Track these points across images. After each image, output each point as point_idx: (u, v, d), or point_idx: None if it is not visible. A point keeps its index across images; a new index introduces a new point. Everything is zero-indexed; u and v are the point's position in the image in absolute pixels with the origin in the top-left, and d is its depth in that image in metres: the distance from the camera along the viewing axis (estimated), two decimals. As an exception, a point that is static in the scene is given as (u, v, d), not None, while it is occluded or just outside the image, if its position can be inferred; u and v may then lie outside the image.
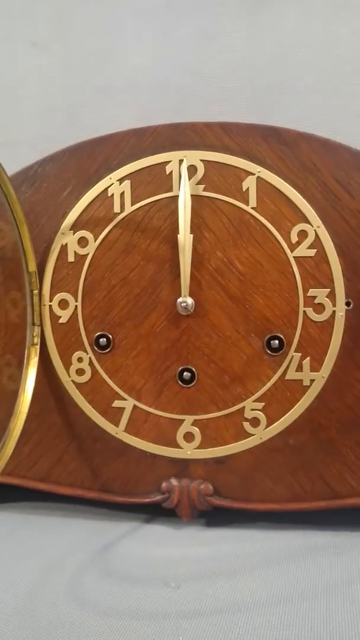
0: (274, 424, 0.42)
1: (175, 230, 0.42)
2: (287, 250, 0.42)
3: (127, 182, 0.44)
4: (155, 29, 0.52)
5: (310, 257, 0.42)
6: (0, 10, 0.55)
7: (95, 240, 0.44)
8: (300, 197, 0.42)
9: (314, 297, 0.42)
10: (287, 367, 0.42)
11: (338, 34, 0.50)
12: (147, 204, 0.44)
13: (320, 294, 0.42)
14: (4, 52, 0.55)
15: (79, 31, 0.53)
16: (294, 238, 0.42)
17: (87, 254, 0.44)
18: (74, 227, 0.45)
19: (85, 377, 0.44)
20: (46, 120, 0.54)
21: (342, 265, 0.42)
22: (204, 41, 0.51)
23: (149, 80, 0.52)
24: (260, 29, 0.51)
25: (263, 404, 0.42)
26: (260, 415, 0.43)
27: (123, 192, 0.44)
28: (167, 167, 0.43)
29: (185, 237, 0.42)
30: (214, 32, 0.51)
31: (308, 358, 0.42)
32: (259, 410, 0.43)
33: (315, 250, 0.42)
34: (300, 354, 0.42)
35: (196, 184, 0.43)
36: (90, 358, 0.44)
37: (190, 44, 0.51)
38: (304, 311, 0.42)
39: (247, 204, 0.42)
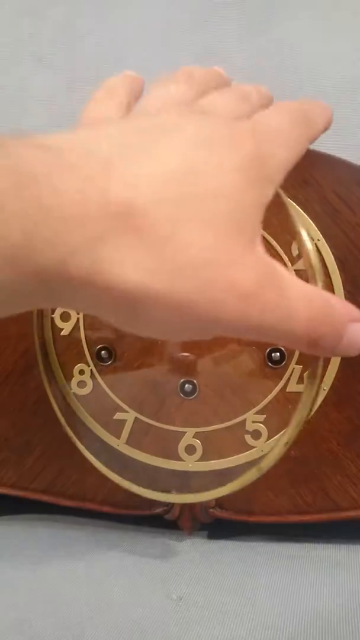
0: (275, 437, 0.43)
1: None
2: (288, 264, 0.42)
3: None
4: (158, 46, 0.53)
5: (311, 270, 0.42)
6: (4, 28, 0.56)
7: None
8: (301, 211, 0.42)
9: (315, 310, 0.42)
10: (288, 379, 0.42)
11: (340, 51, 0.51)
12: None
13: (320, 307, 0.42)
14: (10, 68, 0.55)
15: (83, 48, 0.54)
16: (295, 251, 0.42)
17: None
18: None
19: (87, 390, 0.45)
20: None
21: (342, 278, 0.42)
22: (205, 58, 0.52)
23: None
24: (262, 46, 0.51)
25: (264, 416, 0.43)
26: (262, 428, 0.43)
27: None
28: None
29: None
30: (215, 50, 0.51)
31: (309, 370, 0.42)
32: (260, 422, 0.43)
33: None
34: (301, 367, 0.42)
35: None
36: (91, 370, 0.45)
37: (192, 61, 0.52)
38: (305, 324, 0.42)
39: (248, 218, 0.43)
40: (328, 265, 0.42)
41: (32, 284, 0.21)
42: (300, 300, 0.26)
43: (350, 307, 0.27)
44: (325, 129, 0.32)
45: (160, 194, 0.23)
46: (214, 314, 0.24)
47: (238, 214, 0.25)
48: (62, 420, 0.44)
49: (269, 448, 0.42)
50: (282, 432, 0.42)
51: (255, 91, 0.32)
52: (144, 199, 0.22)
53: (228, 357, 0.43)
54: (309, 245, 0.31)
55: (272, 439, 0.43)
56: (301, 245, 0.30)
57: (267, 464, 0.38)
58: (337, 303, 0.26)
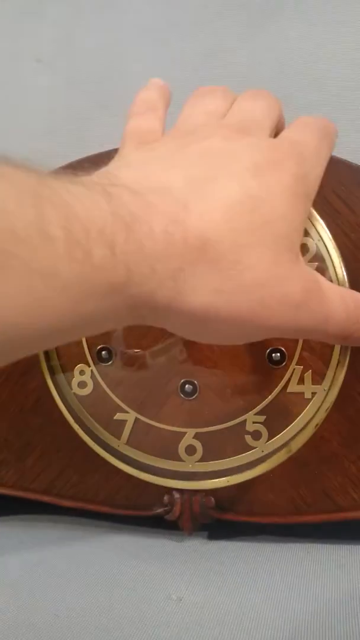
0: (276, 437, 0.43)
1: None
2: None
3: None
4: (158, 46, 0.53)
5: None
6: (5, 28, 0.56)
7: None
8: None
9: (315, 310, 0.42)
10: (289, 380, 0.42)
11: (340, 49, 0.51)
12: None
13: (321, 307, 0.42)
14: (9, 69, 0.55)
15: (83, 48, 0.54)
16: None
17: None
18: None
19: (87, 390, 0.45)
20: (51, 136, 0.54)
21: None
22: (205, 57, 0.52)
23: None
24: (262, 45, 0.51)
25: (265, 417, 0.43)
26: (262, 428, 0.43)
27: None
28: (169, 181, 0.44)
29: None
30: (215, 49, 0.52)
31: (310, 371, 0.42)
32: (260, 423, 0.43)
33: (317, 263, 0.42)
34: (301, 367, 0.42)
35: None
36: (92, 371, 0.45)
37: (192, 61, 0.52)
38: (306, 324, 0.42)
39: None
40: (328, 265, 0.42)
41: (124, 310, 0.24)
42: (336, 302, 0.31)
43: None
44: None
45: (228, 224, 0.26)
46: (269, 324, 0.28)
47: (290, 233, 0.29)
48: (69, 416, 0.44)
49: (270, 449, 0.42)
50: (283, 432, 0.42)
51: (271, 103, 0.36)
52: (216, 232, 0.26)
53: (228, 357, 0.43)
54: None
55: (272, 439, 0.43)
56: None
57: (296, 445, 0.41)
58: None
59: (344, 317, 0.31)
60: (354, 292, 0.33)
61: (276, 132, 0.35)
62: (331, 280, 0.41)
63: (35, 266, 0.20)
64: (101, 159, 0.46)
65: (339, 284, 0.41)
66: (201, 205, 0.26)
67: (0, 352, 0.21)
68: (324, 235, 0.41)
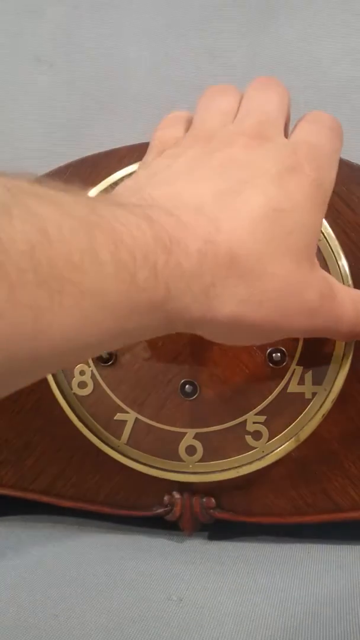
0: (276, 437, 0.42)
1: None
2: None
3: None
4: (158, 46, 0.53)
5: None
6: (4, 27, 0.55)
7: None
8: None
9: (316, 310, 0.42)
10: (289, 380, 0.42)
11: (340, 49, 0.51)
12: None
13: (322, 307, 0.42)
14: (9, 68, 0.55)
15: (82, 48, 0.54)
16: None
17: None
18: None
19: (88, 390, 0.45)
20: (50, 136, 0.54)
21: (343, 278, 0.42)
22: (204, 59, 0.52)
23: (152, 96, 0.53)
24: (262, 45, 0.51)
25: (265, 417, 0.43)
26: (262, 429, 0.43)
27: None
28: (169, 181, 0.44)
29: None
30: (214, 50, 0.52)
31: (310, 371, 0.42)
32: (260, 423, 0.43)
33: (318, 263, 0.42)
34: (302, 367, 0.42)
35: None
36: (92, 371, 0.44)
37: (192, 61, 0.52)
38: (306, 324, 0.42)
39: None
40: (329, 265, 0.42)
41: (162, 324, 0.27)
42: (347, 304, 0.33)
43: None
44: None
45: (254, 238, 0.28)
46: (289, 328, 0.31)
47: (309, 242, 0.31)
48: (72, 415, 0.44)
49: (270, 449, 0.42)
50: (283, 432, 0.42)
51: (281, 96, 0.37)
52: (244, 247, 0.28)
53: (229, 357, 0.43)
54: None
55: (273, 439, 0.42)
56: None
57: (304, 434, 0.41)
58: None
59: (354, 318, 0.34)
60: None
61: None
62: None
63: (86, 289, 0.22)
64: (101, 159, 0.46)
65: (342, 284, 0.41)
66: (230, 222, 0.28)
67: (50, 363, 0.23)
68: (325, 235, 0.41)
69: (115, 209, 0.25)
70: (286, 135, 0.35)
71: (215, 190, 0.29)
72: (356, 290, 0.37)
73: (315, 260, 0.32)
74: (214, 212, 0.28)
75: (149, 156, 0.37)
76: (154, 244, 0.25)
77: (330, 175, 0.34)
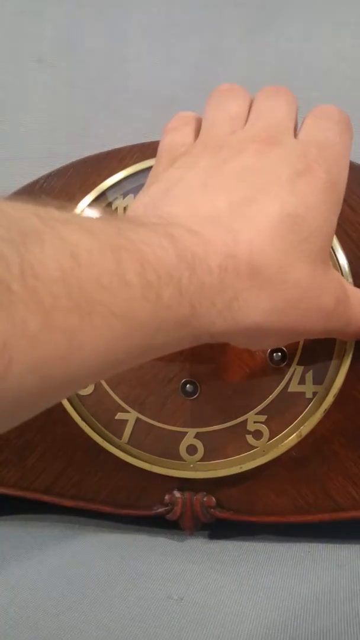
0: (277, 437, 0.43)
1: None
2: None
3: (130, 196, 0.44)
4: (158, 46, 0.53)
5: (313, 269, 0.42)
6: (5, 27, 0.56)
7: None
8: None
9: (317, 310, 0.42)
10: (290, 379, 0.42)
11: (340, 49, 0.51)
12: (151, 217, 0.44)
13: (322, 307, 0.42)
14: (10, 69, 0.55)
15: (84, 48, 0.54)
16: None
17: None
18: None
19: (89, 390, 0.45)
20: (52, 136, 0.54)
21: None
22: (206, 58, 0.52)
23: (154, 96, 0.53)
24: (262, 45, 0.51)
25: (265, 416, 0.43)
26: (263, 428, 0.43)
27: (126, 206, 0.44)
28: (170, 181, 0.44)
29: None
30: (215, 50, 0.52)
31: (311, 371, 0.42)
32: (261, 422, 0.43)
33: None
34: (302, 367, 0.42)
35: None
36: (93, 370, 0.44)
37: (193, 61, 0.52)
38: (307, 324, 0.42)
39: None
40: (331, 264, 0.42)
41: (188, 338, 0.27)
42: (356, 306, 0.34)
43: None
44: None
45: (273, 247, 0.29)
46: (307, 331, 0.32)
47: (324, 245, 0.31)
48: (75, 414, 0.44)
49: (271, 448, 0.42)
50: (284, 432, 0.42)
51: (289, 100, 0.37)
52: (264, 257, 0.28)
53: (229, 357, 0.43)
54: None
55: (273, 439, 0.43)
56: None
57: (306, 430, 0.41)
58: None
59: None
60: None
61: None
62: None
63: (115, 309, 0.23)
64: (102, 159, 0.46)
65: None
66: (248, 232, 0.29)
67: (81, 381, 0.24)
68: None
69: (139, 229, 0.25)
70: (295, 136, 0.35)
71: (230, 201, 0.30)
72: None
73: (329, 262, 0.33)
74: (231, 223, 0.29)
75: (159, 166, 0.37)
76: (177, 262, 0.25)
77: (342, 173, 0.34)
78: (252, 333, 0.30)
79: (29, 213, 0.22)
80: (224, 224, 0.29)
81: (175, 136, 0.38)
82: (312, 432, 0.42)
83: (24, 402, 0.21)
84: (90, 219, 0.25)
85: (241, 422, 0.43)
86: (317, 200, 0.31)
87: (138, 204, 0.33)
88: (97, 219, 0.25)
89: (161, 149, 0.38)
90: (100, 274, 0.22)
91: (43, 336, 0.20)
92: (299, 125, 0.36)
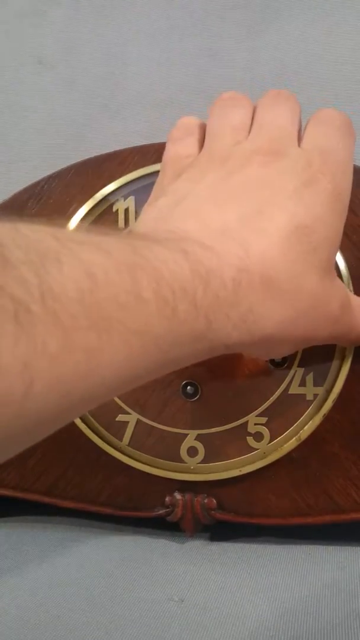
0: (277, 439, 0.43)
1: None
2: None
3: (131, 198, 0.44)
4: (159, 48, 0.53)
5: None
6: (6, 28, 0.56)
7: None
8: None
9: (317, 312, 0.42)
10: (291, 381, 0.42)
11: (340, 49, 0.51)
12: (151, 219, 0.44)
13: (323, 309, 0.42)
14: (10, 70, 0.55)
15: (84, 49, 0.54)
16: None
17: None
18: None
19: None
20: (52, 138, 0.54)
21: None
22: (206, 60, 0.52)
23: (154, 98, 0.53)
24: (262, 45, 0.51)
25: (266, 418, 0.43)
26: (264, 430, 0.43)
27: (127, 208, 0.44)
28: (170, 183, 0.44)
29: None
30: (215, 51, 0.52)
31: (311, 373, 0.42)
32: (262, 424, 0.43)
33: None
34: (303, 369, 0.42)
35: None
36: (94, 372, 0.44)
37: (193, 61, 0.52)
38: (307, 325, 0.42)
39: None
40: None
41: (205, 351, 0.27)
42: (357, 312, 0.35)
43: None
44: None
45: (283, 258, 0.29)
46: (315, 339, 0.33)
47: (331, 254, 0.32)
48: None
49: (271, 450, 0.42)
50: (285, 431, 0.42)
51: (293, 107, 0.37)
52: (275, 269, 0.29)
53: (230, 359, 0.43)
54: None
55: (274, 441, 0.43)
56: None
57: (306, 432, 0.42)
58: None
59: None
60: None
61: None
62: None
63: (132, 326, 0.23)
64: (103, 161, 0.46)
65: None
66: (259, 244, 0.29)
67: (100, 397, 0.24)
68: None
69: (153, 246, 0.26)
70: (299, 142, 0.35)
71: (239, 214, 0.30)
72: None
73: (334, 270, 0.33)
74: (242, 236, 0.29)
75: (164, 178, 0.37)
76: (191, 277, 0.26)
77: (347, 181, 0.34)
78: (266, 344, 0.30)
79: (46, 234, 0.22)
80: (235, 237, 0.29)
81: (179, 147, 0.38)
82: (313, 434, 0.42)
83: (45, 420, 0.21)
84: (106, 238, 0.25)
85: (242, 424, 0.43)
86: (324, 210, 0.31)
87: (148, 218, 0.33)
88: (112, 237, 0.25)
89: (165, 160, 0.39)
90: (118, 293, 0.23)
91: (63, 356, 0.20)
92: (303, 128, 0.36)
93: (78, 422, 0.45)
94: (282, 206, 0.31)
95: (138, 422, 0.44)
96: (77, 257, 0.22)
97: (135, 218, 0.44)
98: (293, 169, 0.32)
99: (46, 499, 0.47)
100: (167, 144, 0.39)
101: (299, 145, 0.34)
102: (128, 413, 0.44)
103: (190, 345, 0.26)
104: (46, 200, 0.46)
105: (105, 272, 0.22)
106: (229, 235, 0.29)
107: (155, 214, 0.33)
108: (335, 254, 0.33)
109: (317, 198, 0.31)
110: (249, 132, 0.35)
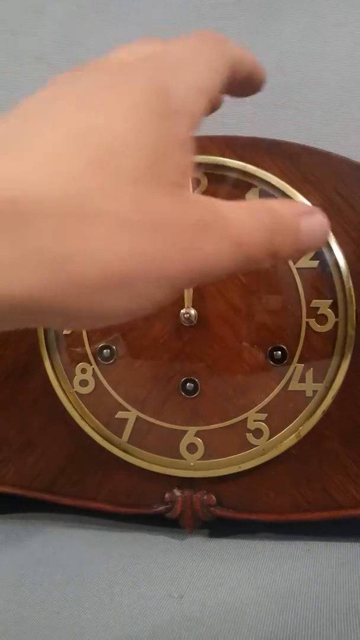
0: (277, 435, 0.43)
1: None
2: (290, 262, 0.42)
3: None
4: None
5: (313, 268, 0.42)
6: (5, 26, 0.55)
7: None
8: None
9: (317, 308, 0.42)
10: (290, 378, 0.42)
11: (339, 49, 0.51)
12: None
13: (322, 305, 0.42)
14: (9, 67, 0.55)
15: (83, 47, 0.54)
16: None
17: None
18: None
19: (89, 389, 0.45)
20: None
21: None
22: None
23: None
24: (262, 45, 0.51)
25: (266, 415, 0.43)
26: (263, 427, 0.43)
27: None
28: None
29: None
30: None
31: (311, 369, 0.42)
32: (261, 421, 0.43)
33: (318, 261, 0.42)
34: (303, 365, 0.42)
35: (200, 197, 0.43)
36: (93, 369, 0.45)
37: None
38: (307, 322, 0.42)
39: (250, 217, 0.43)
40: (330, 264, 0.42)
41: None
42: (246, 222, 0.24)
43: (295, 205, 0.26)
44: (249, 61, 0.30)
45: (57, 168, 0.20)
46: (164, 277, 0.21)
47: (153, 161, 0.23)
48: (75, 413, 0.45)
49: (271, 446, 0.42)
50: (284, 429, 0.42)
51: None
52: (41, 184, 0.20)
53: (230, 355, 0.43)
54: None
55: (274, 437, 0.43)
56: None
57: (305, 428, 0.41)
58: (281, 207, 0.25)
59: (260, 234, 0.24)
60: (266, 202, 0.25)
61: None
62: (335, 280, 0.41)
63: None
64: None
65: (342, 282, 0.41)
66: (16, 153, 0.20)
67: None
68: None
69: None
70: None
71: (15, 115, 0.22)
72: (259, 201, 0.29)
73: (183, 186, 0.23)
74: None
75: None
76: None
77: (184, 80, 0.25)
78: (25, 315, 0.20)
79: None
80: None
81: None
82: (312, 430, 0.42)
83: None
84: None
85: (241, 420, 0.43)
86: (129, 108, 0.23)
87: None
88: None
89: None
90: None
91: None
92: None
93: (78, 419, 0.45)
94: (63, 111, 0.23)
95: (138, 419, 0.44)
96: None
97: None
98: (100, 71, 0.25)
99: (46, 496, 0.47)
100: None
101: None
102: (128, 410, 0.44)
103: None
104: None
105: None
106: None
107: None
108: (171, 164, 0.23)
109: (117, 97, 0.23)
110: None
